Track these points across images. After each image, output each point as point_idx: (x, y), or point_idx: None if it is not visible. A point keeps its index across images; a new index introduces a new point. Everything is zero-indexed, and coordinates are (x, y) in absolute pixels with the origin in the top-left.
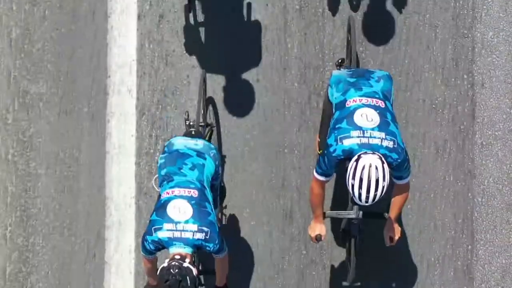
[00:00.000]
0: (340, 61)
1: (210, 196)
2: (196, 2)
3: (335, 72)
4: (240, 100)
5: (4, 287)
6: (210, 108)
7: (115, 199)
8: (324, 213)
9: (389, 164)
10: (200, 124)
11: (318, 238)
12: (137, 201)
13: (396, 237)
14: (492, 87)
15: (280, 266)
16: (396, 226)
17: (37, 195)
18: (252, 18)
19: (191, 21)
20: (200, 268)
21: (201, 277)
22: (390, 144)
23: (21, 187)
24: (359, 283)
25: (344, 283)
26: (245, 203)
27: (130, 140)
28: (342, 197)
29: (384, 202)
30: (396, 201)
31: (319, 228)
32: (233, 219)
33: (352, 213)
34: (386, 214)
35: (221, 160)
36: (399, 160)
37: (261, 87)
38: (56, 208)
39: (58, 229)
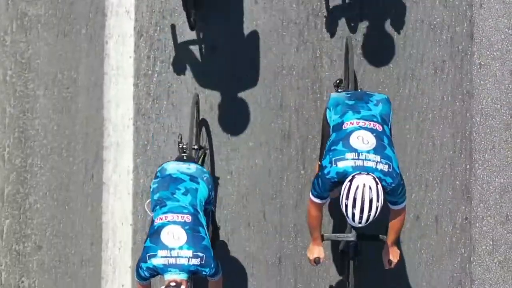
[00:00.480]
0: (338, 81)
1: (203, 221)
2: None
3: (334, 94)
4: (239, 20)
5: (2, 208)
6: (203, 130)
7: (113, 120)
8: (322, 236)
9: (383, 188)
10: (193, 147)
11: (317, 261)
12: (135, 122)
13: (395, 261)
14: (490, 8)
15: (278, 186)
16: (394, 249)
17: (35, 116)
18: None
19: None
20: None
21: None
22: (385, 167)
23: (19, 109)
24: None
25: None
26: (244, 124)
27: (128, 62)
28: (341, 219)
29: (381, 224)
30: (393, 225)
31: (318, 251)
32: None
33: (350, 236)
34: (384, 237)
35: (215, 182)
36: (393, 185)
37: (259, 9)
38: (54, 129)
39: (56, 150)
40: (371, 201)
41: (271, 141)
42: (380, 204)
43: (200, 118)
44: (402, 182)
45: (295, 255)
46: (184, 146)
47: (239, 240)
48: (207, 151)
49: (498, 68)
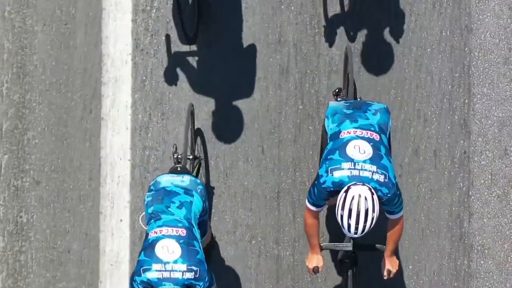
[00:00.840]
0: (337, 90)
1: (198, 234)
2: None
3: (332, 103)
4: None
5: (1, 144)
6: (198, 140)
7: (111, 56)
8: (321, 245)
9: (379, 198)
10: (188, 157)
11: (315, 270)
12: (134, 57)
13: (394, 270)
14: None
15: (277, 121)
16: (393, 259)
17: (34, 52)
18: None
19: None
20: None
21: None
22: (381, 178)
23: (17, 44)
24: None
25: None
26: (242, 58)
27: None
28: (339, 229)
29: (379, 233)
30: (390, 235)
31: (316, 260)
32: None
33: (349, 245)
34: (382, 247)
35: (209, 193)
36: (389, 195)
37: None
38: (53, 65)
39: (54, 86)
40: (366, 211)
41: (270, 76)
42: (375, 214)
43: (196, 127)
44: (398, 192)
45: (294, 190)
46: (179, 157)
47: (237, 174)
48: (202, 161)
49: (497, 3)
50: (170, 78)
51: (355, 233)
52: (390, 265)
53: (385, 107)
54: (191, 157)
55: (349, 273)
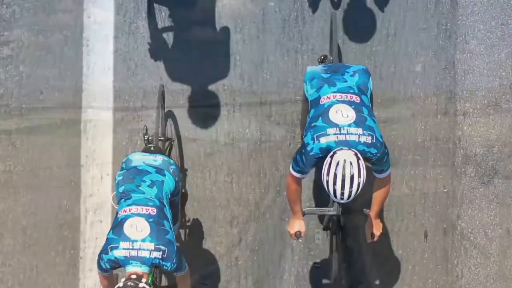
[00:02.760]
0: (322, 57)
1: (169, 214)
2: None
3: (310, 68)
4: None
5: None
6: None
7: None
8: (303, 210)
9: (369, 159)
10: (160, 138)
11: (298, 235)
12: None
13: (378, 234)
14: None
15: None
16: (377, 222)
17: None
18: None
19: None
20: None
21: None
22: (368, 139)
23: None
24: (342, 281)
25: (325, 281)
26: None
27: None
28: (323, 195)
29: (365, 198)
30: (376, 196)
31: (298, 225)
32: None
33: (332, 210)
34: (367, 210)
35: (183, 172)
36: (378, 155)
37: None
38: None
39: None
40: (352, 177)
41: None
42: (362, 180)
43: (166, 110)
44: (386, 150)
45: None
46: (150, 138)
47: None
48: (174, 142)
49: None
50: (143, 57)
51: (341, 198)
52: (374, 228)
53: (363, 68)
54: (162, 138)
55: (333, 239)
